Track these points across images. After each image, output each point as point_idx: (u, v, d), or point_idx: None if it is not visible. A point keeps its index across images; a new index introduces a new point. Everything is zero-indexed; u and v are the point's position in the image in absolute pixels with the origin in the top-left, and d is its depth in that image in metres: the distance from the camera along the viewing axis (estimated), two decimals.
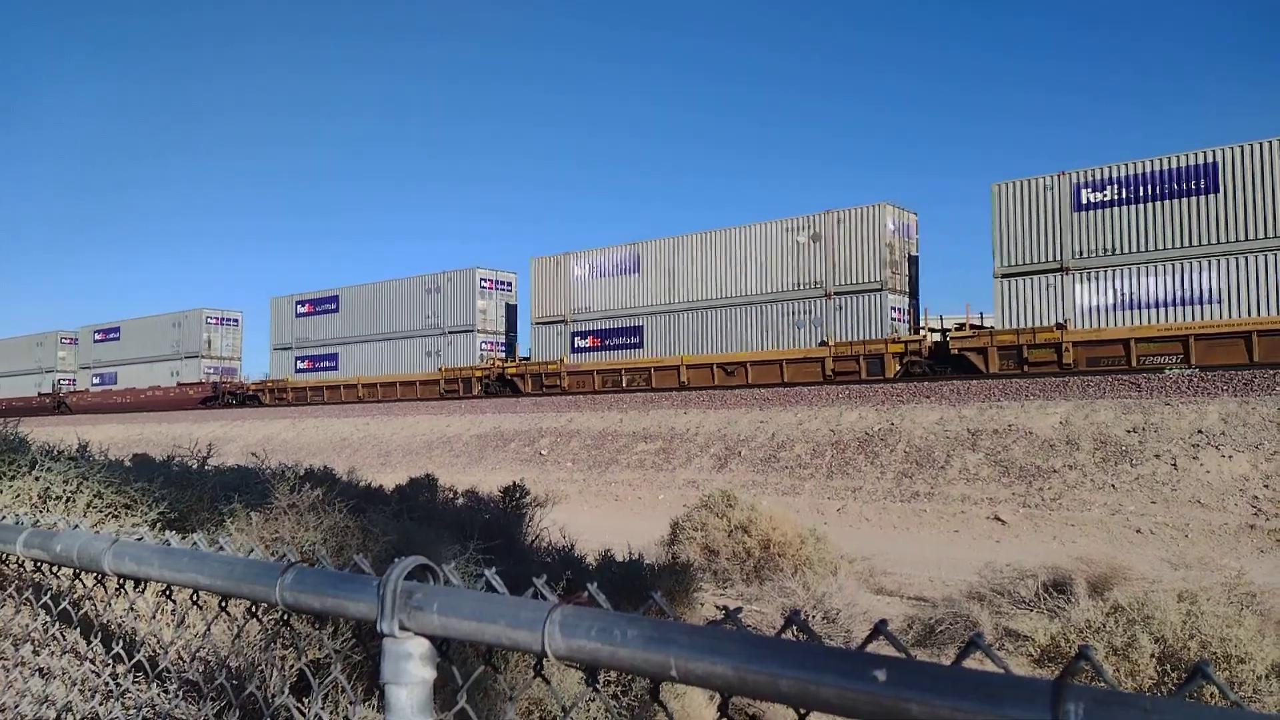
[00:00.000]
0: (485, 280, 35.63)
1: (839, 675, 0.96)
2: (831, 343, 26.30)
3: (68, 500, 4.35)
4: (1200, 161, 21.25)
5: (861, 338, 25.77)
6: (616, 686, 4.48)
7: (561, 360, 32.31)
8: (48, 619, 2.94)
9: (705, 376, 28.44)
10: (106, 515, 4.40)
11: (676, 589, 6.96)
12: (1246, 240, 20.54)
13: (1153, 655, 5.98)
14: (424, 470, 11.40)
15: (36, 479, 4.34)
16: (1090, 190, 22.65)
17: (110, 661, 2.70)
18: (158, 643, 3.07)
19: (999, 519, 15.97)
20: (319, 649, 3.29)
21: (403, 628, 1.38)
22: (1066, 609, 7.29)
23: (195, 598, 2.13)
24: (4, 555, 2.65)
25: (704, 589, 8.83)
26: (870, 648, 1.02)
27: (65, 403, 51.06)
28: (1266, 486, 14.76)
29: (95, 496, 4.42)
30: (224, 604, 2.11)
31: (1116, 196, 22.22)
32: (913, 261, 27.23)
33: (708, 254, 29.39)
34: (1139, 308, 21.82)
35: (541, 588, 1.35)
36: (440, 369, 35.59)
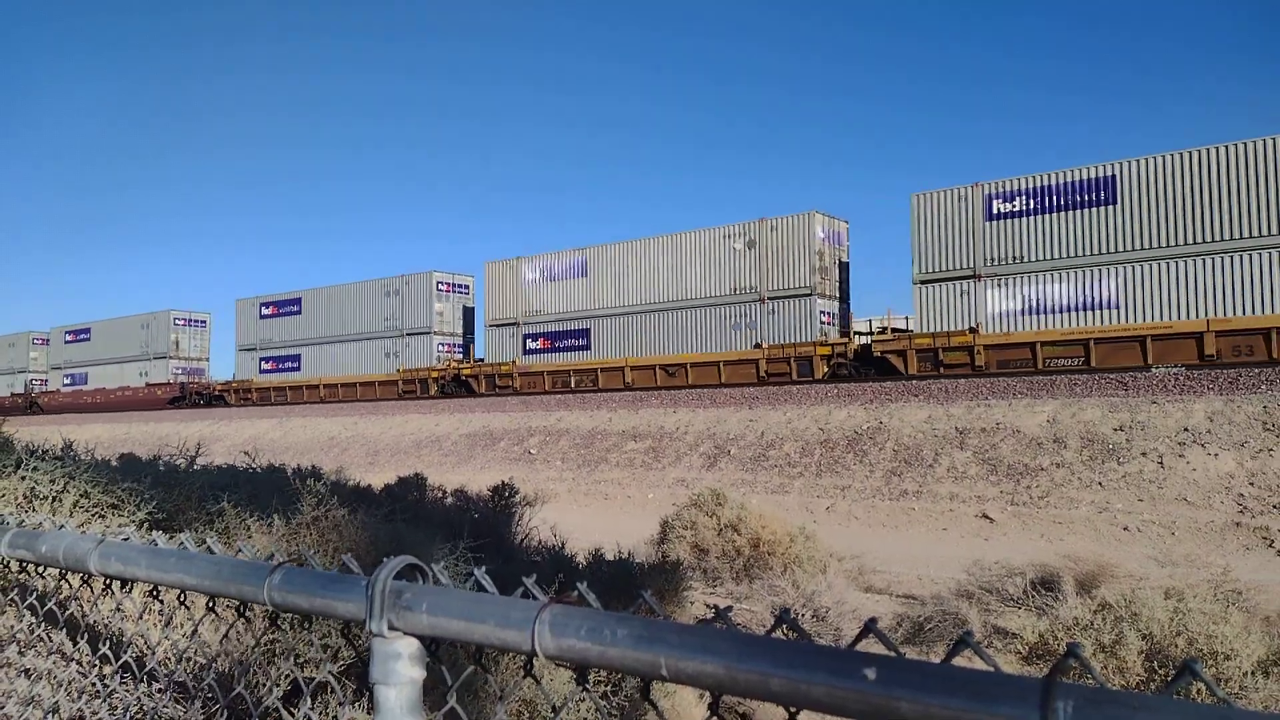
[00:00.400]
0: (442, 283, 36.78)
1: (829, 674, 0.96)
2: (765, 345, 27.38)
3: (54, 500, 4.32)
4: (1100, 174, 22.30)
5: (793, 341, 26.90)
6: (607, 686, 4.48)
7: (514, 362, 33.43)
8: (33, 620, 2.91)
9: (649, 378, 29.62)
10: (93, 515, 4.37)
11: (666, 588, 6.96)
12: (1141, 250, 21.67)
13: (1140, 652, 6.02)
14: (413, 470, 11.36)
15: (22, 479, 4.30)
16: (1001, 201, 23.70)
17: (97, 662, 2.68)
18: (145, 643, 3.05)
19: (987, 517, 16.03)
20: (308, 649, 3.28)
21: (392, 628, 1.38)
22: (1055, 607, 7.33)
23: (183, 598, 2.12)
24: None
25: (694, 588, 8.84)
26: (860, 646, 1.02)
27: (37, 403, 51.76)
28: (1252, 484, 14.87)
29: (82, 496, 4.39)
30: (212, 604, 2.10)
31: (1025, 207, 23.33)
32: (843, 267, 28.41)
33: (652, 259, 30.47)
34: (1045, 313, 22.95)
35: (531, 587, 1.35)
36: (399, 370, 36.63)
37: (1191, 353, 20.79)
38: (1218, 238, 20.71)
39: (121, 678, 2.67)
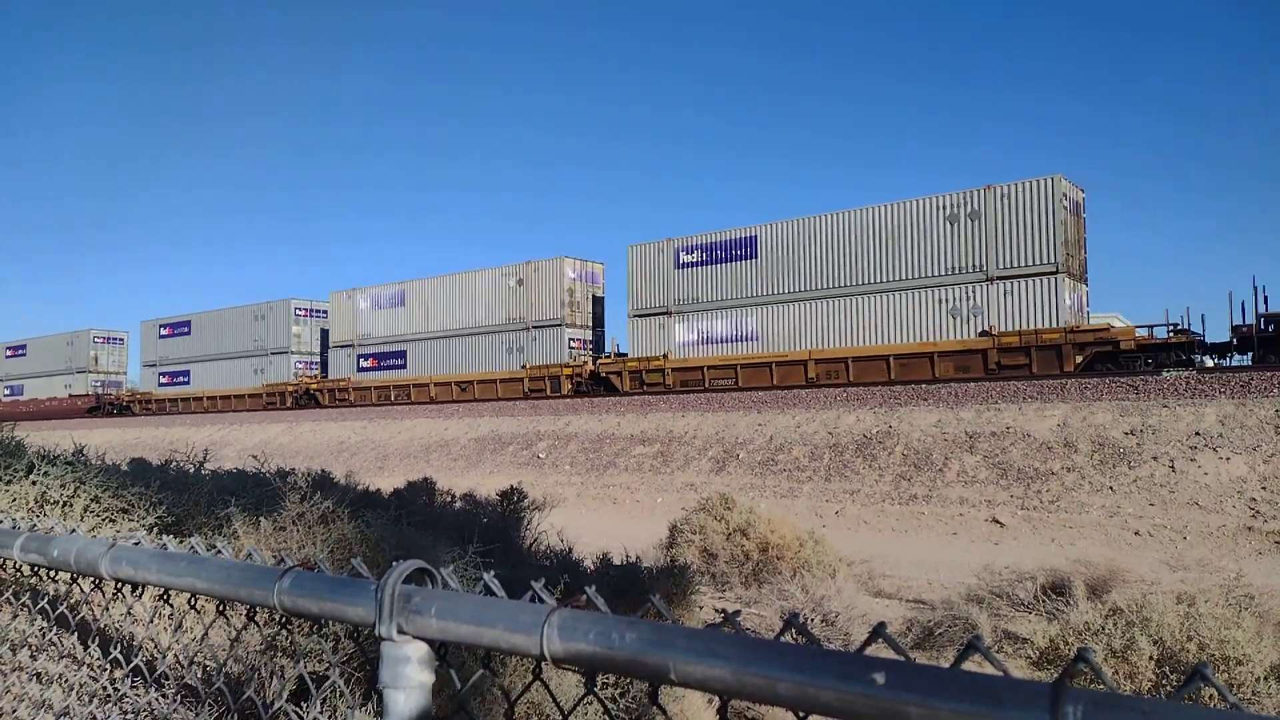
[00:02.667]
0: (300, 309, 43.10)
1: (838, 678, 0.96)
2: (528, 365, 33.83)
3: (65, 505, 4.34)
4: (745, 235, 29.06)
5: (548, 362, 33.47)
6: (615, 689, 4.48)
7: (349, 378, 39.59)
8: (45, 623, 2.93)
9: (448, 392, 35.72)
10: (104, 519, 4.39)
11: (675, 592, 6.95)
12: (773, 294, 28.19)
13: (1151, 657, 5.98)
14: (422, 474, 11.39)
15: (34, 483, 4.33)
16: (685, 253, 30.33)
17: (108, 666, 2.69)
18: (155, 647, 3.06)
19: (997, 521, 15.97)
20: (318, 654, 3.28)
21: (401, 631, 1.38)
22: (1065, 611, 7.30)
23: (193, 602, 2.13)
24: (1, 560, 2.64)
25: (702, 592, 8.82)
26: (869, 650, 1.02)
27: None
28: (1264, 488, 14.77)
29: (93, 501, 4.41)
30: (222, 608, 2.10)
31: (699, 259, 30.05)
32: (598, 301, 35.11)
33: (449, 292, 36.84)
34: (712, 343, 29.53)
35: (540, 591, 1.35)
36: (264, 384, 42.76)
37: (800, 376, 26.94)
38: (831, 285, 27.06)
39: (132, 682, 2.68)
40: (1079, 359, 22.41)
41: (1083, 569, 8.87)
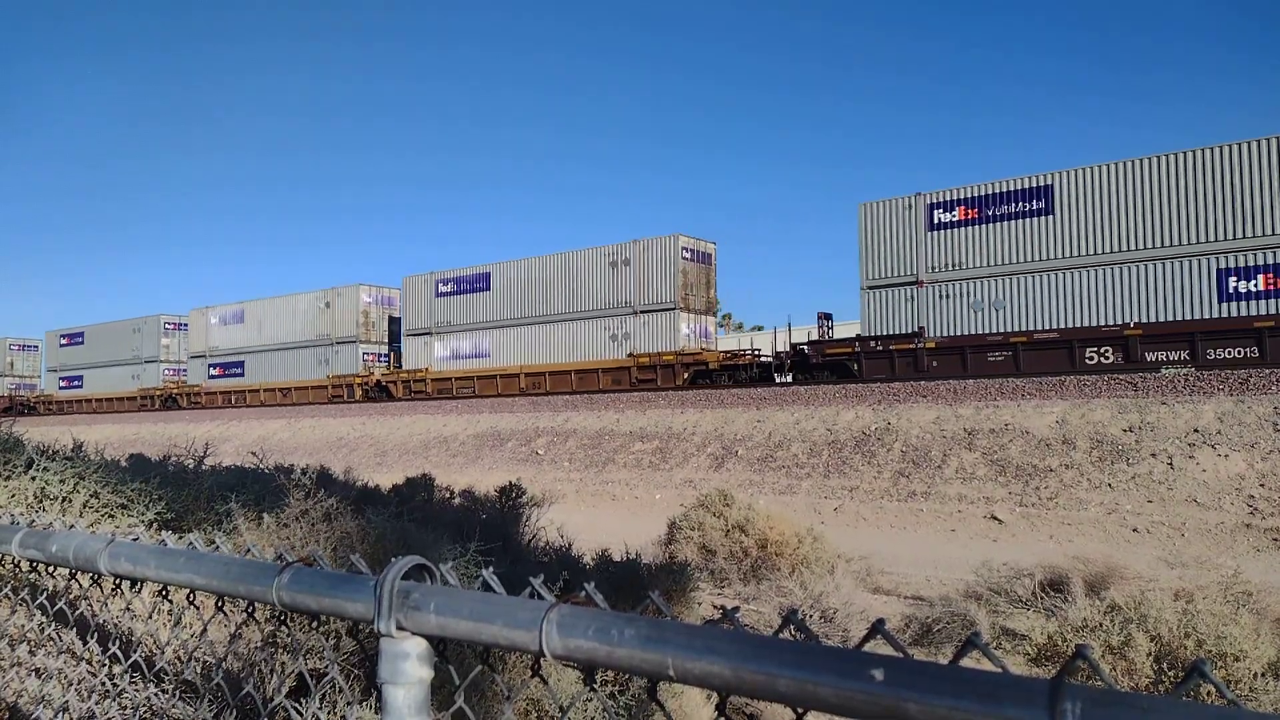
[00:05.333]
0: (169, 323, 49.96)
1: (837, 675, 0.96)
2: (331, 375, 40.58)
3: (64, 500, 4.34)
4: (483, 271, 35.66)
5: (345, 372, 40.17)
6: (614, 686, 4.48)
7: (201, 385, 46.32)
8: (44, 619, 2.93)
9: (275, 397, 42.71)
10: (103, 515, 4.39)
11: (674, 589, 6.96)
12: (502, 320, 34.78)
13: (1149, 654, 5.99)
14: (421, 470, 11.39)
15: (33, 479, 4.33)
16: (442, 284, 36.86)
17: (107, 661, 2.69)
18: (154, 643, 3.06)
19: (996, 518, 15.98)
20: (317, 650, 3.28)
21: (400, 627, 1.38)
22: (1063, 608, 7.31)
23: (192, 598, 2.13)
24: (0, 555, 2.64)
25: (701, 588, 8.83)
26: (868, 647, 1.02)
27: None
28: (1262, 485, 14.79)
29: (92, 496, 4.41)
30: (221, 604, 2.10)
31: (452, 289, 36.61)
32: (394, 321, 41.13)
33: (276, 311, 43.67)
34: (460, 359, 36.13)
35: (539, 587, 1.35)
36: (138, 389, 49.47)
37: (516, 386, 33.78)
38: (537, 314, 33.80)
39: (131, 677, 2.69)
40: (685, 375, 29.75)
41: (1081, 566, 8.87)
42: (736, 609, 1.27)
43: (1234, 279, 21.18)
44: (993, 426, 19.08)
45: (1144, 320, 22.14)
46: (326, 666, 2.99)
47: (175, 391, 47.42)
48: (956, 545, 14.89)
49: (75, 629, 2.81)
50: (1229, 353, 21.03)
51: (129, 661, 2.52)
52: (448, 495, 9.90)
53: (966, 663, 0.94)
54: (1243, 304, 21.07)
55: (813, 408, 23.03)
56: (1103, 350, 22.59)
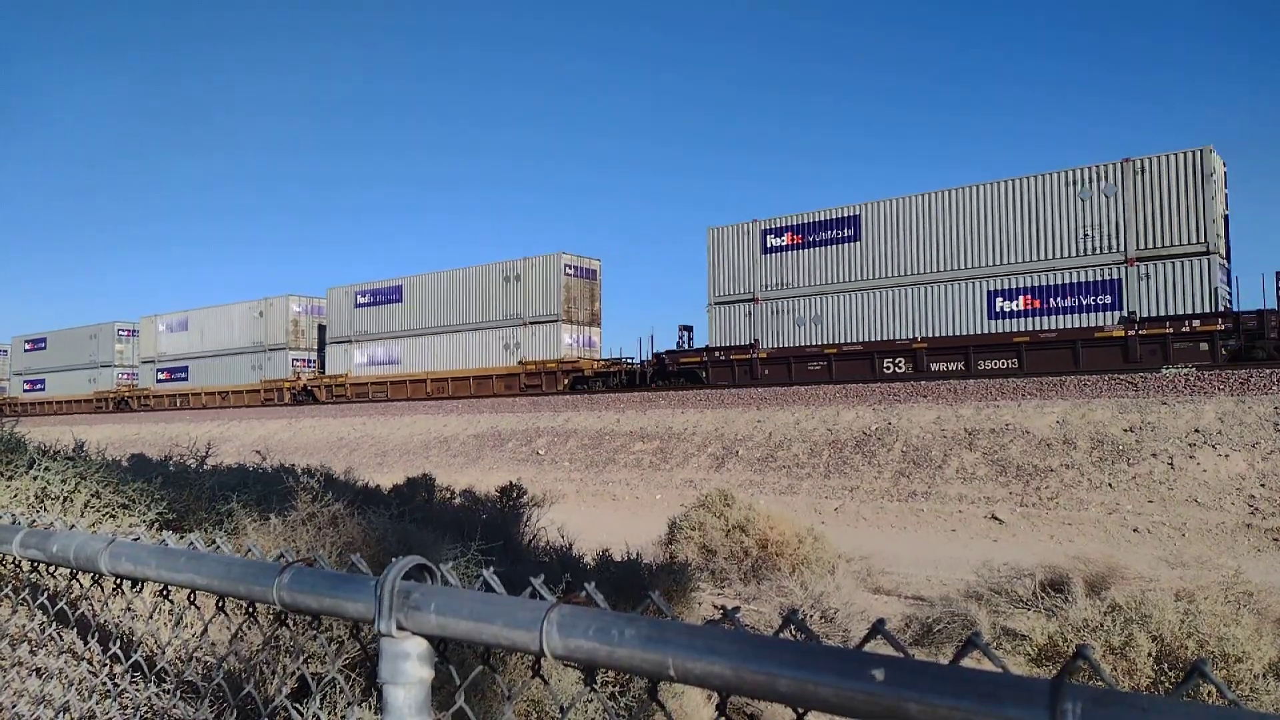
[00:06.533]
0: (122, 330, 53.25)
1: (837, 675, 0.96)
2: (264, 379, 43.82)
3: (65, 500, 4.34)
4: (396, 284, 39.39)
5: (276, 377, 43.47)
6: (614, 686, 4.48)
7: (150, 388, 50.00)
8: (45, 619, 2.93)
9: (215, 400, 46.17)
10: (104, 515, 4.39)
11: (674, 589, 6.96)
12: (412, 329, 38.39)
13: (1150, 654, 5.99)
14: (421, 470, 11.39)
15: (34, 479, 4.33)
16: (361, 296, 40.62)
17: (107, 661, 2.70)
18: (155, 643, 3.06)
19: (996, 518, 15.98)
20: (317, 649, 3.28)
21: (400, 627, 1.38)
22: (1064, 608, 7.30)
23: (193, 598, 2.13)
24: (1, 555, 2.64)
25: (702, 588, 8.83)
26: (868, 647, 1.02)
27: None
28: (1263, 485, 14.78)
29: (93, 496, 4.41)
30: (221, 604, 2.10)
31: (370, 300, 40.47)
32: (322, 329, 43.68)
33: (215, 320, 47.19)
34: (376, 365, 39.86)
35: (539, 587, 1.35)
36: (94, 392, 52.75)
37: (423, 390, 37.12)
38: (443, 324, 37.47)
39: (132, 677, 2.69)
40: (566, 380, 32.94)
41: (1081, 566, 8.86)
42: (737, 609, 1.27)
43: (1000, 300, 24.77)
44: (993, 426, 19.08)
45: (929, 335, 25.65)
46: (327, 666, 2.99)
47: (127, 394, 50.84)
48: (957, 545, 14.88)
49: (76, 629, 2.81)
50: (996, 363, 24.36)
51: (130, 661, 2.53)
52: (448, 495, 9.90)
53: (967, 663, 0.94)
54: (1007, 321, 24.51)
55: (813, 408, 23.04)
56: (896, 360, 26.00)
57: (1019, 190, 24.52)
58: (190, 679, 2.81)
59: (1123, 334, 22.53)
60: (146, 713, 2.66)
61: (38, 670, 2.94)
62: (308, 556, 1.66)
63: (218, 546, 1.95)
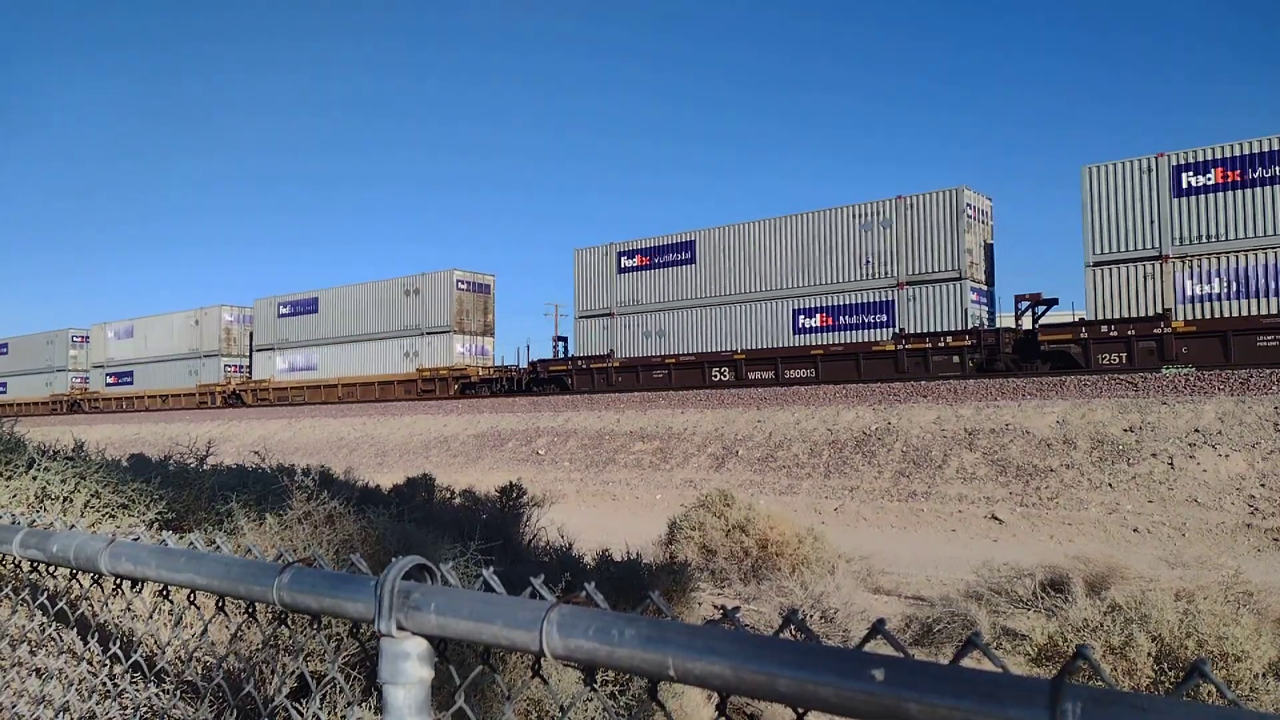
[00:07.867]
0: (76, 336, 56.22)
1: (837, 675, 0.96)
2: (199, 385, 46.70)
3: (65, 500, 4.34)
4: (312, 296, 43.11)
5: (210, 381, 46.33)
6: (614, 686, 4.48)
7: (99, 391, 53.22)
8: (44, 619, 2.93)
9: (157, 402, 49.02)
10: (104, 515, 4.39)
11: (674, 589, 6.96)
12: (326, 338, 41.91)
13: (1150, 654, 5.99)
14: (421, 470, 11.39)
15: (34, 479, 4.33)
16: (283, 306, 44.04)
17: (107, 661, 2.69)
18: (155, 643, 3.06)
19: (996, 518, 15.98)
20: (316, 649, 3.28)
21: (400, 627, 1.38)
22: (1064, 608, 7.30)
23: (192, 598, 2.13)
24: (1, 555, 2.64)
25: (702, 588, 8.83)
26: (868, 647, 1.02)
27: None
28: (1263, 485, 14.78)
29: (93, 496, 4.41)
30: (221, 604, 2.10)
31: (291, 310, 43.90)
32: (251, 336, 46.53)
33: (158, 328, 50.19)
34: (295, 370, 43.16)
35: (539, 587, 1.35)
36: (50, 395, 56.24)
37: (336, 394, 40.29)
38: (352, 333, 40.73)
39: (132, 677, 2.69)
40: (455, 386, 36.26)
41: (1081, 566, 8.86)
42: (737, 609, 1.27)
43: (803, 317, 28.48)
44: (993, 426, 19.08)
45: (748, 347, 29.47)
46: (327, 665, 2.99)
47: (79, 397, 54.38)
48: (957, 545, 14.88)
49: (76, 629, 2.81)
50: (799, 373, 27.98)
51: (129, 661, 2.52)
52: (448, 495, 9.90)
53: (967, 663, 0.94)
54: (808, 336, 28.26)
55: (813, 408, 23.04)
56: (722, 369, 29.73)
57: (819, 222, 28.26)
58: (190, 679, 2.81)
59: (894, 348, 26.28)
60: (146, 713, 2.66)
61: (38, 670, 2.94)
62: (307, 556, 1.66)
63: (217, 546, 1.95)
